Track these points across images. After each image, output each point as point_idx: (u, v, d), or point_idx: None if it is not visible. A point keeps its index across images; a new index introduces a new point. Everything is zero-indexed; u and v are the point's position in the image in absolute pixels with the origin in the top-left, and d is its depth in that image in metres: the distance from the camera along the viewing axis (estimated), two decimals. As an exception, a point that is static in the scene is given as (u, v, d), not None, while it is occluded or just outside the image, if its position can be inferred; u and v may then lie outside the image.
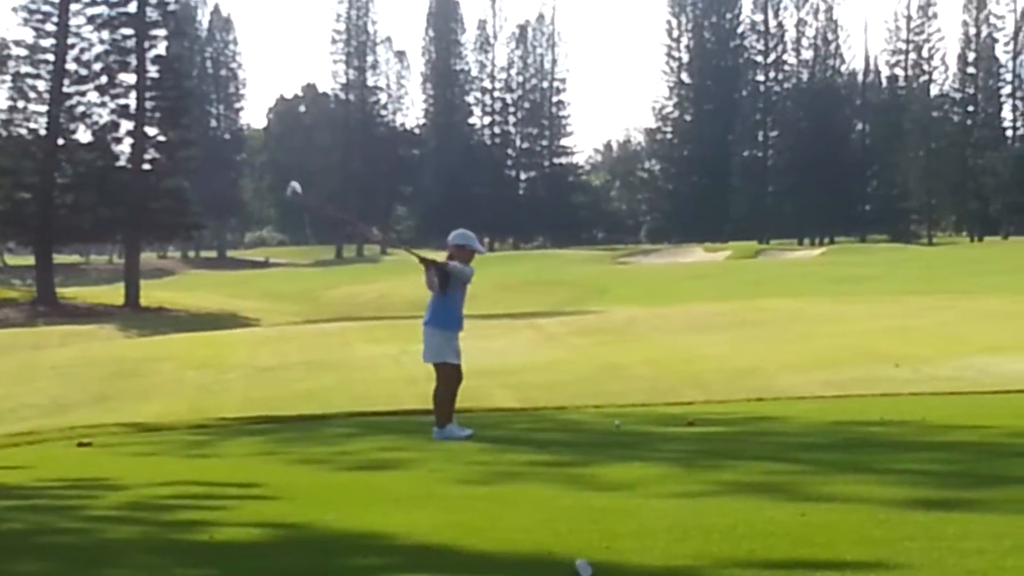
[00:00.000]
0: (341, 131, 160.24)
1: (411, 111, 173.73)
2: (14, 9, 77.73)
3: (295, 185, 15.46)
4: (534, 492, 10.01)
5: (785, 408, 17.68)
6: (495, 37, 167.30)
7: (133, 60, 79.70)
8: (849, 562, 7.02)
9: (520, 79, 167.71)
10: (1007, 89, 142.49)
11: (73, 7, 78.16)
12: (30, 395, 31.19)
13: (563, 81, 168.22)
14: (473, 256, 14.70)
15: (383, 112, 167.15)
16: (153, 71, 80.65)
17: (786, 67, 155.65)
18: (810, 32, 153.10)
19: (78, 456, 14.89)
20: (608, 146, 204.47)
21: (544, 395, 23.52)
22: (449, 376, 14.52)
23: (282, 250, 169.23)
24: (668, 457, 11.92)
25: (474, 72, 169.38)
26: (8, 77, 78.41)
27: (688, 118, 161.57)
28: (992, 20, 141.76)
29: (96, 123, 79.42)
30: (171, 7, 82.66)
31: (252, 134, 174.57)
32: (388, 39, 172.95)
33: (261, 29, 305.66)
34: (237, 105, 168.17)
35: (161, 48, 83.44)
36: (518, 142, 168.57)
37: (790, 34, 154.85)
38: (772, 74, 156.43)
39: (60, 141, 78.00)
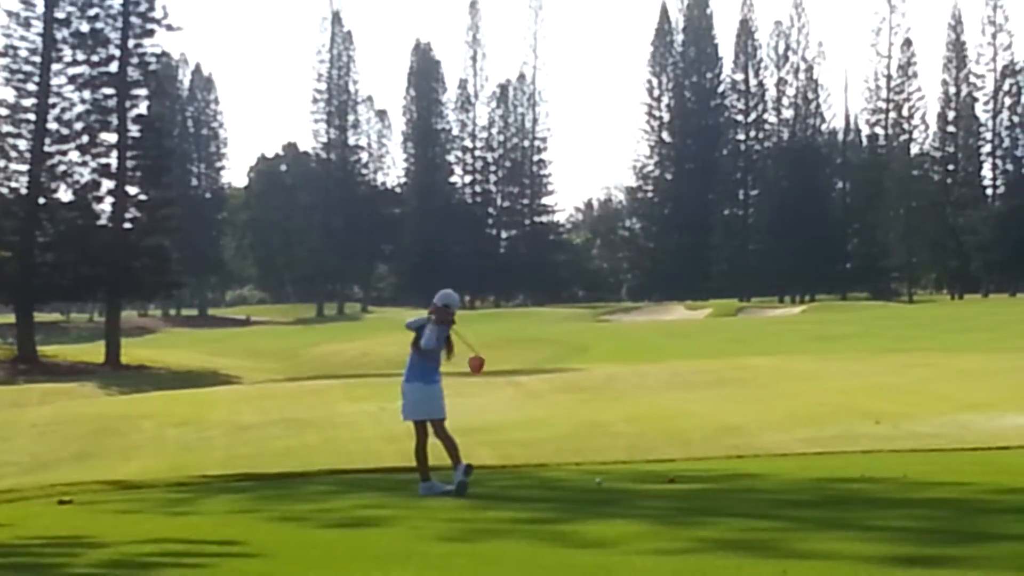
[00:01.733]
0: (322, 190, 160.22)
1: (392, 170, 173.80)
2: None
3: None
4: (515, 550, 10.01)
5: (766, 465, 17.66)
6: (476, 96, 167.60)
7: (114, 120, 79.56)
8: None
9: (501, 138, 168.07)
10: (987, 148, 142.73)
11: (54, 67, 78.13)
12: (10, 453, 31.03)
13: (544, 140, 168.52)
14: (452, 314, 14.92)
15: (364, 171, 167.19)
16: (134, 131, 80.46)
17: (767, 126, 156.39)
18: (790, 91, 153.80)
19: (58, 514, 14.81)
20: (589, 204, 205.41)
21: (525, 452, 23.48)
22: (437, 429, 14.58)
23: (263, 308, 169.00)
24: (649, 514, 11.92)
25: (455, 131, 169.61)
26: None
27: (669, 177, 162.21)
28: (972, 79, 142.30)
29: (77, 182, 79.27)
30: (152, 67, 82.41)
31: (233, 193, 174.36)
32: (369, 98, 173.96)
33: (242, 88, 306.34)
34: (218, 164, 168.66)
35: (142, 108, 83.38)
36: (499, 201, 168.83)
37: (770, 93, 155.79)
38: (753, 133, 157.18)
39: (41, 200, 77.79)
